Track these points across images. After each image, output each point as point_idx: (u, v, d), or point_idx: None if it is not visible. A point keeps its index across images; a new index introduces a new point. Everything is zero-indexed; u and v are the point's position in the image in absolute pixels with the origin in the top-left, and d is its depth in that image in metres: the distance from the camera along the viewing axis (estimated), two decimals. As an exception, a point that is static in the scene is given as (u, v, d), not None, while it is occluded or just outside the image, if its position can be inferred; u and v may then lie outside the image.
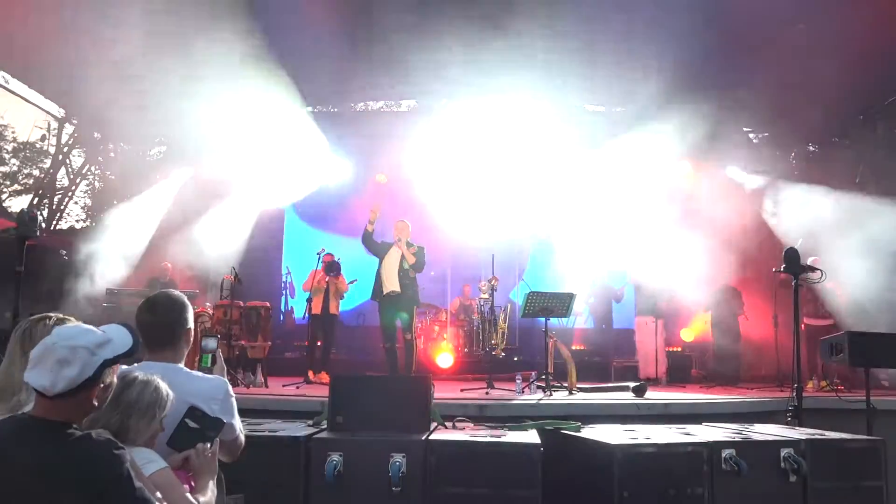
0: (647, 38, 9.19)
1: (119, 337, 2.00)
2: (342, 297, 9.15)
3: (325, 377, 8.12)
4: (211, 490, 2.41)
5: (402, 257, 7.68)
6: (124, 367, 2.21)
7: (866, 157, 10.36)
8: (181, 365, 2.70)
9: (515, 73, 9.95)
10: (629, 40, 9.31)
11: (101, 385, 1.95)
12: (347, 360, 10.33)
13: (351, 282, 9.12)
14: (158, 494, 1.98)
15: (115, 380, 2.05)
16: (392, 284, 7.66)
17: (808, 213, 9.35)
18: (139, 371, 2.31)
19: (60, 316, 2.57)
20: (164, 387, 2.26)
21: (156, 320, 2.67)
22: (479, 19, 8.74)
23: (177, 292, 2.85)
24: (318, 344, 8.67)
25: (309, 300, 8.55)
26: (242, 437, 2.80)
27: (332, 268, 8.61)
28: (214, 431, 2.50)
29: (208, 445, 2.44)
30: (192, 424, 2.44)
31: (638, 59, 9.74)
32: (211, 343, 2.85)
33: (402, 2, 8.79)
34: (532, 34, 8.92)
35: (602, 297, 10.85)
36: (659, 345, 9.24)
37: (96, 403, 1.96)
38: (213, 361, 2.83)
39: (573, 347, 9.18)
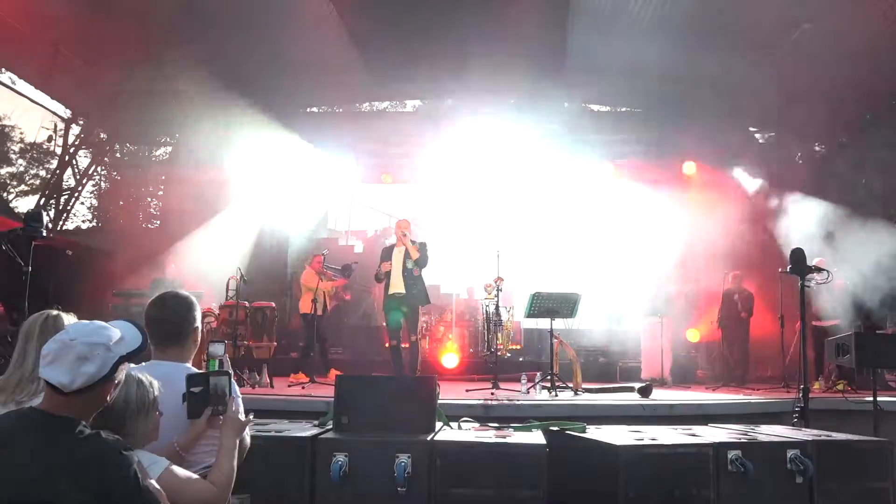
0: (650, 38, 9.19)
1: (129, 334, 2.01)
2: (338, 300, 9.11)
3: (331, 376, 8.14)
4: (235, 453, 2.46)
5: (406, 256, 7.61)
6: (132, 365, 2.22)
7: (873, 158, 10.31)
8: (188, 364, 2.73)
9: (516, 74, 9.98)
10: (636, 39, 9.30)
11: (115, 382, 1.96)
12: (353, 361, 10.34)
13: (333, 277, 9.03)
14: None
15: (124, 377, 2.05)
16: (396, 286, 7.64)
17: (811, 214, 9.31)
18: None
19: (55, 313, 2.62)
20: (145, 378, 2.24)
21: (163, 318, 2.70)
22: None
23: (185, 292, 2.88)
24: (302, 345, 8.54)
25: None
26: (248, 438, 2.81)
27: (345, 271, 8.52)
28: (221, 379, 2.53)
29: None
30: (196, 390, 2.48)
31: (643, 60, 9.73)
32: (218, 349, 2.87)
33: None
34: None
35: None
36: (665, 345, 9.21)
37: (108, 400, 1.97)
38: (221, 366, 2.85)
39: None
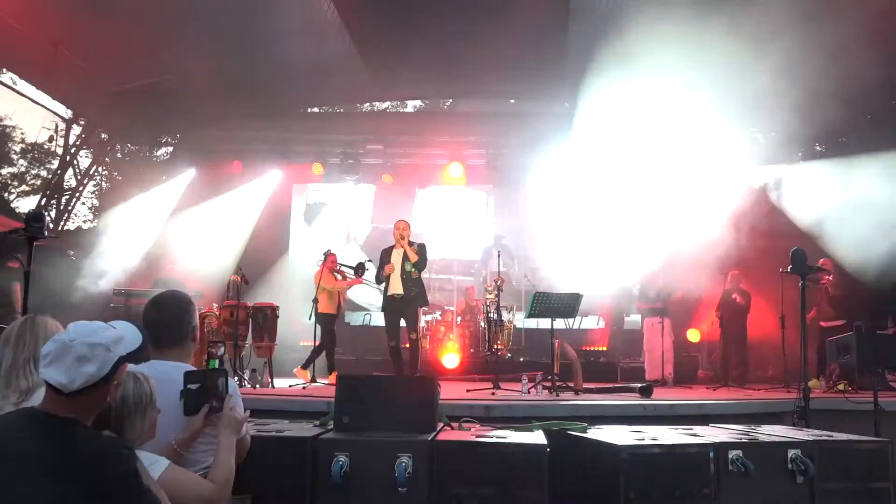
0: (650, 37, 9.17)
1: (129, 333, 2.01)
2: (344, 299, 9.15)
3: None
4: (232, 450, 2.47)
5: (405, 258, 7.64)
6: (132, 365, 2.22)
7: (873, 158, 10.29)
8: (188, 364, 2.73)
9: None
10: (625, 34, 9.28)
11: (116, 382, 1.96)
12: (354, 361, 10.34)
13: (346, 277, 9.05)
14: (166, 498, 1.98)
15: (124, 377, 2.05)
16: (395, 287, 7.66)
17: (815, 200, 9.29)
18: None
19: (34, 316, 2.62)
20: (140, 375, 2.25)
21: (162, 318, 2.70)
22: None
23: (181, 291, 2.88)
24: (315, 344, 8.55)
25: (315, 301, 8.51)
26: (249, 438, 2.81)
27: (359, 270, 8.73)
28: (217, 379, 2.54)
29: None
30: (193, 387, 2.50)
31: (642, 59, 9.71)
32: (218, 349, 2.88)
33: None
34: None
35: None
36: (666, 345, 9.20)
37: (109, 400, 1.97)
38: (221, 365, 2.85)
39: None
